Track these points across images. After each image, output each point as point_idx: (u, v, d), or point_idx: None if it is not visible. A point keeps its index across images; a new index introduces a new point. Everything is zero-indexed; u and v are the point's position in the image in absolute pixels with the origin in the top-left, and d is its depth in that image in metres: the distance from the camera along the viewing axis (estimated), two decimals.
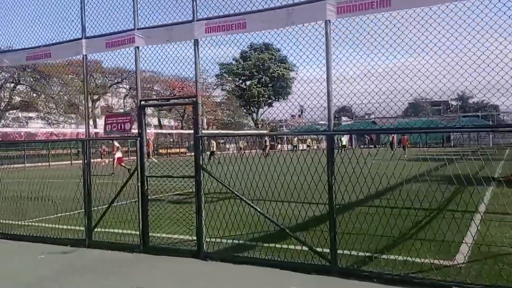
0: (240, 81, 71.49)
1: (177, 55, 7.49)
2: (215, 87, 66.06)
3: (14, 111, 47.77)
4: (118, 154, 25.20)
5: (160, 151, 53.64)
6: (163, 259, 7.25)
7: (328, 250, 6.36)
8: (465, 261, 6.39)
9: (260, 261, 6.74)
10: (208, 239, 7.33)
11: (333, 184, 6.26)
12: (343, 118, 65.72)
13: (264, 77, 68.47)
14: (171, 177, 7.67)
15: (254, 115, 72.05)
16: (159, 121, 63.57)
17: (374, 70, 5.98)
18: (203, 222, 7.24)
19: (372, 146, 62.93)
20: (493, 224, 8.17)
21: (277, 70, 67.23)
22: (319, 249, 6.48)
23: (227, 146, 58.21)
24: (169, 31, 7.44)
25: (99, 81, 51.82)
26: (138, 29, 7.75)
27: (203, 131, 7.84)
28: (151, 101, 8.07)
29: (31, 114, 49.02)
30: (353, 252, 6.50)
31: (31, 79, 44.94)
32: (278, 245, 7.12)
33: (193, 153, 7.25)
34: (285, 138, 59.43)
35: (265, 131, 58.37)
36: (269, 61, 67.63)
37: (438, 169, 12.37)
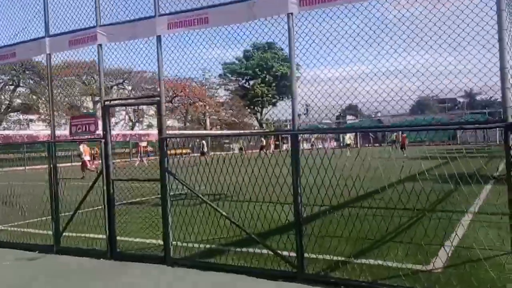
0: (244, 80, 71.14)
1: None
2: (217, 87, 65.76)
3: (15, 113, 47.77)
4: (86, 158, 24.38)
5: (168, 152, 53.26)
6: (129, 266, 6.95)
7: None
8: (441, 266, 6.04)
9: (227, 268, 6.42)
10: (178, 243, 7.01)
11: (298, 186, 5.92)
12: (348, 117, 65.26)
13: (267, 76, 68.01)
14: (137, 180, 7.37)
15: (258, 114, 71.64)
16: None
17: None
18: (169, 227, 6.92)
19: (378, 144, 62.58)
20: (481, 225, 7.83)
21: (280, 69, 66.72)
22: (290, 254, 6.12)
23: (231, 146, 58.27)
24: (132, 28, 7.13)
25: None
26: (100, 26, 7.44)
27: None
28: (115, 101, 7.74)
29: (32, 117, 49.03)
30: (327, 257, 6.15)
31: (31, 81, 44.93)
32: (251, 250, 6.79)
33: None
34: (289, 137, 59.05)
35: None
36: (272, 60, 67.18)
37: (433, 168, 12.01)
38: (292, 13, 5.95)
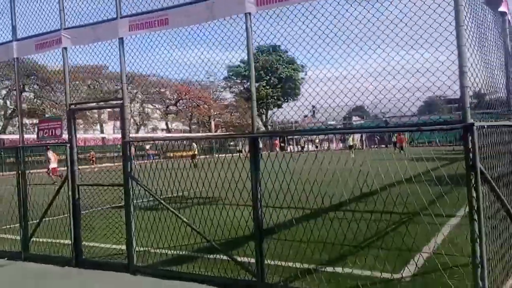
0: (249, 83, 70.93)
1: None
2: (222, 90, 65.65)
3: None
4: (53, 165, 23.48)
5: (168, 154, 53.23)
6: (92, 274, 6.79)
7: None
8: (409, 275, 5.79)
9: (189, 276, 6.21)
10: (144, 250, 6.81)
11: (258, 191, 5.69)
12: (354, 118, 64.71)
13: (272, 78, 67.79)
14: (100, 185, 7.19)
15: (264, 117, 71.38)
16: (167, 125, 63.40)
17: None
18: (133, 234, 6.72)
19: (384, 145, 62.04)
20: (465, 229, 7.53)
21: (285, 71, 66.50)
22: (252, 261, 5.89)
23: (238, 148, 58.05)
24: (95, 30, 6.97)
25: (106, 88, 51.72)
26: (65, 29, 7.29)
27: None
28: (80, 105, 7.56)
29: (37, 121, 49.09)
30: (296, 265, 5.90)
31: (35, 86, 45.07)
32: (214, 257, 6.59)
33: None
34: (293, 139, 58.96)
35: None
36: (276, 63, 66.94)
37: (430, 170, 11.66)
38: (250, 13, 5.76)
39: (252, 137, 5.82)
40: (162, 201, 6.44)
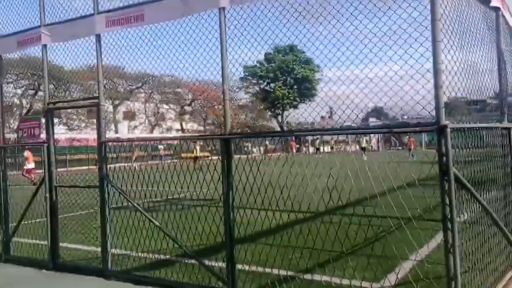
0: (265, 83, 70.56)
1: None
2: (237, 90, 65.38)
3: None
4: (30, 165, 22.84)
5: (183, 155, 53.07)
6: (68, 278, 6.61)
7: None
8: (390, 285, 5.48)
9: (162, 282, 5.98)
10: (119, 254, 6.60)
11: (230, 197, 5.43)
12: (370, 119, 63.94)
13: (288, 78, 67.38)
14: (77, 187, 7.01)
15: (280, 117, 71.00)
16: (181, 125, 63.43)
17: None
18: (107, 237, 6.51)
19: (401, 147, 61.20)
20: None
21: (301, 72, 65.98)
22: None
23: (253, 149, 57.72)
24: (72, 27, 6.78)
25: (121, 87, 51.98)
26: (44, 26, 7.12)
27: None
28: (58, 104, 7.39)
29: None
30: (271, 271, 5.60)
31: (51, 86, 45.40)
32: (194, 262, 6.32)
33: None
34: (309, 140, 58.42)
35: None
36: (293, 63, 66.45)
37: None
38: (224, 8, 5.50)
39: (224, 139, 5.55)
40: (136, 204, 6.21)
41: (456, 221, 4.09)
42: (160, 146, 43.23)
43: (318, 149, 54.04)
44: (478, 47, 5.27)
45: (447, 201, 4.10)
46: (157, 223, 6.07)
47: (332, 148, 56.96)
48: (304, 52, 64.49)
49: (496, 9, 6.06)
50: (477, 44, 5.23)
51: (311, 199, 5.53)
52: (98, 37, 6.56)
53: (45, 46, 7.16)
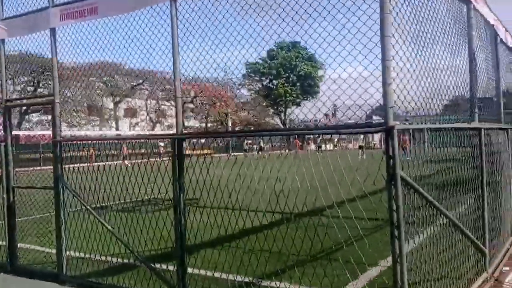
0: (267, 80, 70.14)
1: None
2: (239, 87, 64.98)
3: (35, 114, 48.27)
4: None
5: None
6: (22, 282, 6.33)
7: None
8: None
9: None
10: (76, 257, 6.34)
11: (181, 199, 5.14)
12: (374, 117, 63.31)
13: (291, 75, 66.93)
14: (33, 187, 6.76)
15: (282, 115, 70.58)
16: (183, 122, 63.05)
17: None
18: (62, 241, 6.25)
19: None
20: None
21: (303, 68, 65.49)
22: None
23: (255, 147, 57.48)
24: (28, 21, 6.51)
25: (121, 83, 51.71)
26: (2, 20, 6.86)
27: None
28: (16, 101, 7.14)
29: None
30: (227, 276, 5.32)
31: (50, 83, 45.28)
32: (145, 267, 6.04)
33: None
34: (312, 138, 57.94)
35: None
36: (295, 60, 65.98)
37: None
38: (175, 1, 5.22)
39: (176, 139, 5.27)
40: (88, 207, 5.94)
41: (403, 228, 3.79)
42: (161, 143, 42.97)
43: (319, 147, 53.58)
44: (439, 44, 4.94)
45: (394, 207, 3.80)
46: (109, 227, 5.79)
47: (335, 146, 56.51)
48: (306, 49, 64.07)
49: (467, 2, 5.73)
50: (438, 40, 4.90)
51: (268, 202, 5.22)
52: (53, 31, 6.29)
53: (2, 41, 6.90)
